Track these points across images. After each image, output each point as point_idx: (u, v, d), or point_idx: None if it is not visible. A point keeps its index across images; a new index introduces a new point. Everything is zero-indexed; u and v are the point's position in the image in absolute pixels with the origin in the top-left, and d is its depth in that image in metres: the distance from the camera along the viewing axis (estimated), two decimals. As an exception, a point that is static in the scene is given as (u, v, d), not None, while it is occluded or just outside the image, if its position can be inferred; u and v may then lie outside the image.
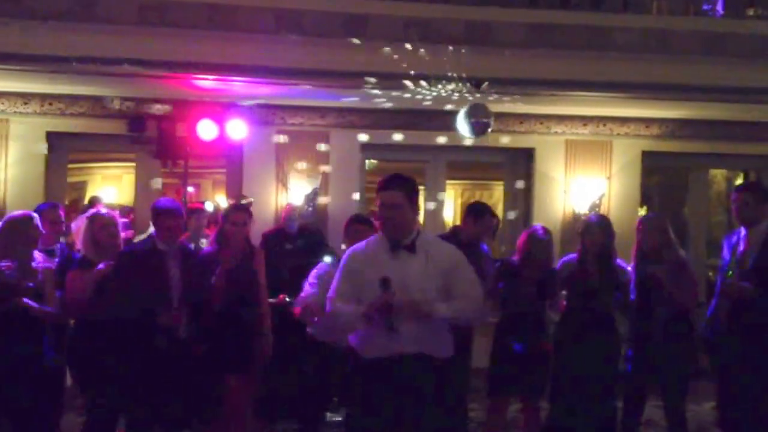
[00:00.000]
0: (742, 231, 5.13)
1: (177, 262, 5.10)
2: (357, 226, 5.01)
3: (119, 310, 4.84)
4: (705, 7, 8.20)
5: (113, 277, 4.90)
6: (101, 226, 5.07)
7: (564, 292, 5.62)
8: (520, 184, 8.99)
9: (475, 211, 5.83)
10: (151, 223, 5.57)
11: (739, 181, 10.88)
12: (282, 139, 8.35)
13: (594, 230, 5.46)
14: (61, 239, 5.75)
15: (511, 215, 8.94)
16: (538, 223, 8.58)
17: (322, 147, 8.40)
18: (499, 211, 10.76)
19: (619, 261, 5.53)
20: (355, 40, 6.85)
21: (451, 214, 13.30)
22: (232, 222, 5.33)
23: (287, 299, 5.74)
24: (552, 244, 5.64)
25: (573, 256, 5.62)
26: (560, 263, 5.69)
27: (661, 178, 11.28)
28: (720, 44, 7.63)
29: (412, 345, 3.63)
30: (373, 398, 3.69)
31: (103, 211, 5.33)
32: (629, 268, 5.47)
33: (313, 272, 5.11)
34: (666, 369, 5.25)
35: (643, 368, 5.33)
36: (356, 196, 8.55)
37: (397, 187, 3.71)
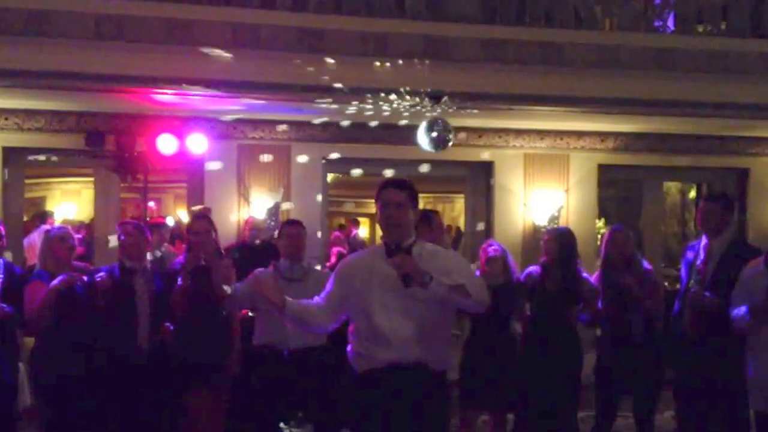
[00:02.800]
0: (703, 240, 5.17)
1: (145, 279, 5.17)
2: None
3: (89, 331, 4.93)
4: (656, 23, 8.39)
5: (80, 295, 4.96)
6: (59, 238, 5.09)
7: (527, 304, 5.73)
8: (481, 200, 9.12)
9: (426, 218, 5.93)
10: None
11: (692, 193, 11.11)
12: (242, 152, 8.37)
13: (556, 239, 5.60)
14: (6, 255, 5.56)
15: (480, 226, 9.04)
16: (498, 235, 8.78)
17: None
18: (461, 223, 10.88)
19: (585, 274, 5.65)
20: (313, 55, 6.92)
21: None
22: (194, 232, 5.35)
23: (250, 314, 5.76)
24: (503, 258, 5.73)
25: (535, 267, 5.73)
26: (523, 275, 5.79)
27: (617, 191, 11.46)
28: (671, 59, 7.81)
29: (405, 353, 3.51)
30: (368, 414, 3.56)
31: (57, 225, 5.35)
32: (593, 279, 5.57)
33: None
34: (639, 378, 5.35)
35: (616, 379, 5.41)
36: (318, 209, 8.59)
37: (400, 186, 3.62)
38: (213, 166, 8.25)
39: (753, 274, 4.58)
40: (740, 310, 4.54)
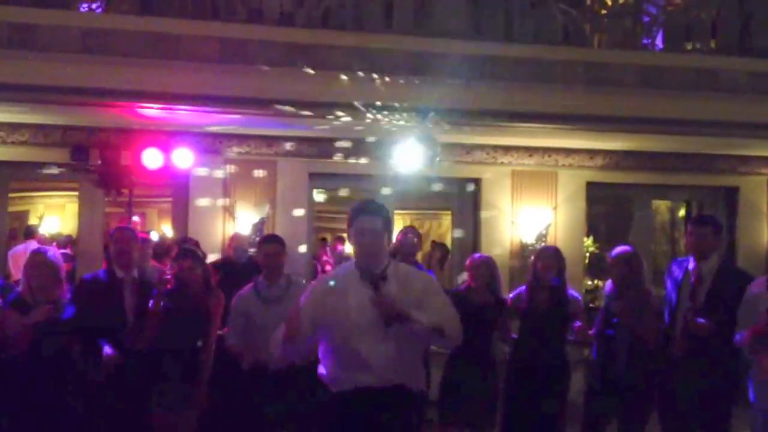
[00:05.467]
0: (692, 263, 5.17)
1: (133, 290, 5.09)
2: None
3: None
4: (645, 41, 8.40)
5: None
6: (48, 265, 4.81)
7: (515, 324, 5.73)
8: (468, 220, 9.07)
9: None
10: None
11: (681, 212, 11.08)
12: (229, 167, 8.31)
13: (546, 256, 5.55)
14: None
15: (458, 233, 9.00)
16: (485, 252, 8.70)
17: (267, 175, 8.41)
18: (448, 240, 10.83)
19: (570, 291, 5.61)
20: (300, 69, 6.88)
21: (401, 244, 13.29)
22: (180, 268, 5.31)
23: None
24: (491, 271, 5.68)
25: (522, 288, 5.69)
26: (511, 296, 5.76)
27: (606, 209, 11.43)
28: (659, 77, 7.80)
29: (385, 376, 3.50)
30: None
31: (50, 252, 5.12)
32: (579, 297, 5.62)
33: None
34: (626, 401, 5.27)
35: (603, 400, 5.35)
36: (303, 225, 8.52)
37: (376, 213, 3.58)
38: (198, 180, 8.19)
39: (756, 294, 4.60)
40: (744, 334, 4.53)
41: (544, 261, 5.58)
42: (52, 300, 4.79)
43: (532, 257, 5.80)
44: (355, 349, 3.50)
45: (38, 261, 4.83)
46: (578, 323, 5.43)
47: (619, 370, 5.23)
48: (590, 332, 5.44)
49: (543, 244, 8.60)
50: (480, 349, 5.53)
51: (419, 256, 7.12)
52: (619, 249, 5.49)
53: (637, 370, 5.22)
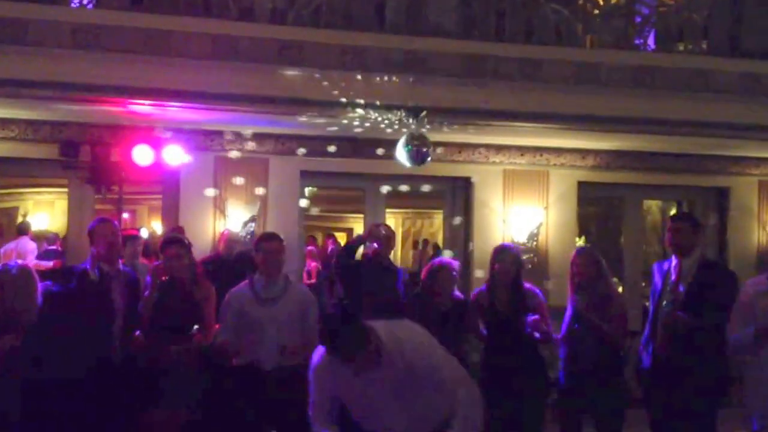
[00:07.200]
0: (674, 260, 5.19)
1: (119, 285, 4.99)
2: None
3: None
4: (637, 41, 8.41)
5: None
6: (13, 284, 4.64)
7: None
8: (458, 219, 9.07)
9: None
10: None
11: (672, 211, 11.12)
12: (220, 164, 8.28)
13: (505, 258, 5.51)
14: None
15: (458, 243, 8.96)
16: (477, 251, 8.73)
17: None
18: (439, 239, 10.83)
19: (527, 285, 5.56)
20: (292, 68, 6.87)
21: (393, 242, 13.30)
22: (167, 257, 5.19)
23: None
24: (450, 275, 5.67)
25: (483, 287, 5.63)
26: (472, 295, 5.74)
27: (597, 208, 11.46)
28: (651, 78, 7.82)
29: None
30: None
31: (14, 263, 4.92)
32: (539, 292, 5.51)
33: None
34: (597, 402, 5.25)
35: (575, 399, 5.34)
36: (294, 222, 8.51)
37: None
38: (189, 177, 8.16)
39: (755, 294, 4.56)
40: (744, 333, 4.51)
41: (502, 264, 5.50)
42: (22, 323, 4.60)
43: (490, 257, 5.69)
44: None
45: (4, 280, 4.65)
46: (534, 316, 5.32)
47: (585, 368, 5.22)
48: (554, 334, 5.43)
49: (534, 243, 8.63)
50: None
51: (410, 255, 7.13)
52: (581, 247, 5.52)
53: (606, 366, 5.21)
